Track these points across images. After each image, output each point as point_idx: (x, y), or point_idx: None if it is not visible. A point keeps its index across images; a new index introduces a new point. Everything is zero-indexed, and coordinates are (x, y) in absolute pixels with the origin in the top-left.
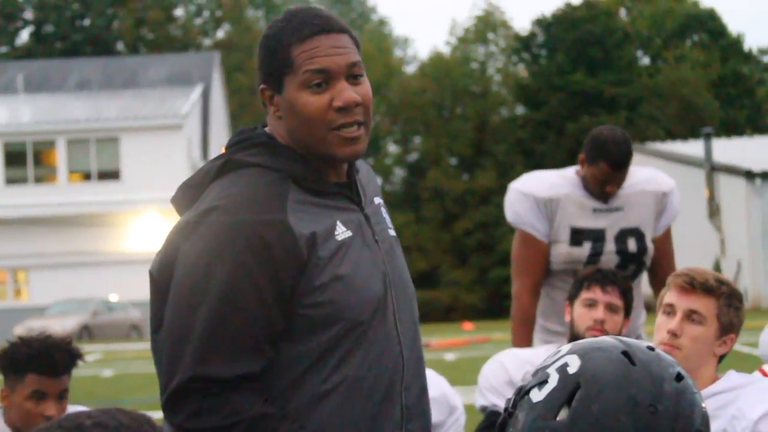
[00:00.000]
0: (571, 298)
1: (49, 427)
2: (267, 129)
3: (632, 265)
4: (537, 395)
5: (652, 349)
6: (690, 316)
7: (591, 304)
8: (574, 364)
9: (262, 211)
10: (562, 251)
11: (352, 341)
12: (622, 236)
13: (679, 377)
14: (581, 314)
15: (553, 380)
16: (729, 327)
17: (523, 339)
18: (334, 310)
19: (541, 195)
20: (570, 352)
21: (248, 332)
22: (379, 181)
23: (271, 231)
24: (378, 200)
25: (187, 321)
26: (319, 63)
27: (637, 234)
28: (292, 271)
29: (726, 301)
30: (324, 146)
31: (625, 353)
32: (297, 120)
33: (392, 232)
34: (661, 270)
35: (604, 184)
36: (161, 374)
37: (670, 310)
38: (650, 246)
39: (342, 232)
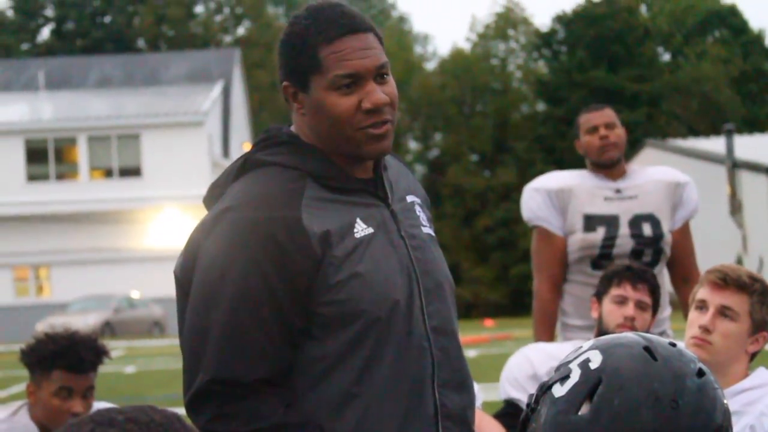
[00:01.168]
0: (599, 294)
1: (80, 421)
2: (292, 127)
3: (649, 249)
4: (559, 390)
5: (673, 345)
6: (722, 312)
7: (621, 302)
8: (596, 360)
9: (276, 210)
10: (577, 239)
11: (374, 340)
12: (636, 221)
13: (700, 373)
14: (611, 311)
15: (575, 375)
16: (761, 324)
17: (545, 335)
18: (352, 307)
19: (552, 186)
20: (592, 348)
21: (264, 333)
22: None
23: (283, 229)
24: (411, 198)
25: (205, 322)
26: (348, 66)
27: (652, 220)
28: (306, 270)
29: (759, 299)
30: (351, 145)
31: (647, 349)
32: (324, 119)
33: (426, 230)
34: (683, 268)
35: (594, 131)
36: (184, 375)
37: (703, 305)
38: (667, 233)
39: (362, 229)
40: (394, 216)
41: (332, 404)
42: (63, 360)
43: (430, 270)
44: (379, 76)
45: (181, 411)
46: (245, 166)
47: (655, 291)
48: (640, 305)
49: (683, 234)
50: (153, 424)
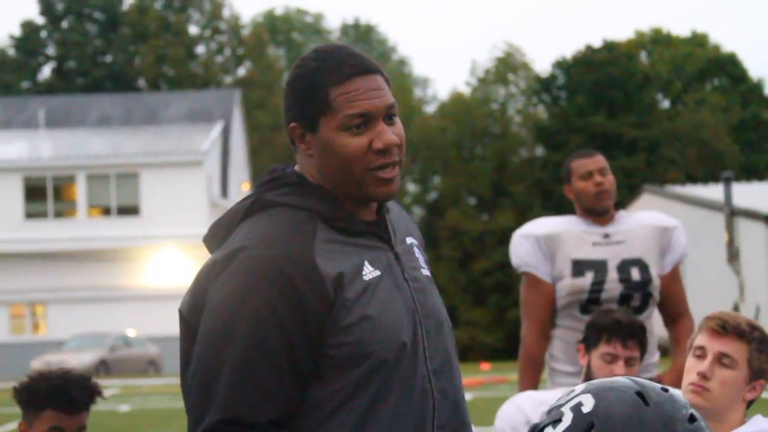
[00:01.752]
0: (588, 345)
1: None
2: (297, 168)
3: (637, 294)
4: None
5: (666, 389)
6: (721, 359)
7: (611, 361)
8: (588, 404)
9: (290, 252)
10: (566, 284)
11: (380, 382)
12: (624, 266)
13: (692, 419)
14: (600, 367)
15: (567, 419)
16: (759, 372)
17: (530, 381)
18: (360, 349)
19: (540, 233)
20: (584, 392)
21: (277, 374)
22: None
23: (298, 271)
24: (411, 240)
25: (216, 362)
26: (360, 107)
27: (640, 264)
28: (319, 312)
29: (758, 347)
30: (360, 187)
31: (639, 394)
32: (334, 160)
33: (426, 272)
34: (674, 311)
35: (589, 176)
36: (190, 414)
37: (701, 352)
38: (655, 277)
39: (370, 272)
40: (398, 258)
41: None
42: (55, 400)
43: (431, 312)
44: (388, 117)
45: None
46: (254, 206)
47: (643, 341)
48: (629, 362)
49: (673, 278)
50: None
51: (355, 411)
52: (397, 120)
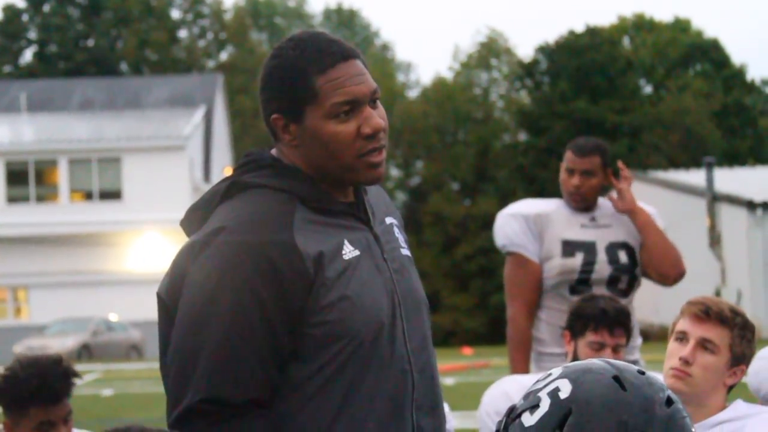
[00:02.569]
0: (574, 332)
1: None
2: (273, 152)
3: (625, 276)
4: (529, 419)
5: (642, 373)
6: (703, 344)
7: (598, 349)
8: (565, 389)
9: (270, 232)
10: (556, 264)
11: (359, 362)
12: (611, 249)
13: (669, 401)
14: (588, 355)
15: (545, 405)
16: (741, 358)
17: (521, 362)
18: (340, 329)
19: (529, 212)
20: (561, 376)
21: (256, 355)
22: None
23: (278, 252)
24: (390, 220)
25: (195, 343)
26: (347, 94)
27: (627, 248)
28: (300, 292)
29: (739, 333)
30: (349, 173)
31: (617, 378)
32: (322, 148)
33: (405, 251)
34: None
35: (571, 174)
36: (169, 395)
37: (683, 336)
38: (640, 262)
39: (349, 251)
40: (377, 239)
41: (320, 426)
42: (37, 397)
43: (409, 292)
44: (372, 101)
45: None
46: (232, 188)
47: (629, 328)
48: (616, 349)
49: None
50: None
51: (336, 391)
52: (379, 104)
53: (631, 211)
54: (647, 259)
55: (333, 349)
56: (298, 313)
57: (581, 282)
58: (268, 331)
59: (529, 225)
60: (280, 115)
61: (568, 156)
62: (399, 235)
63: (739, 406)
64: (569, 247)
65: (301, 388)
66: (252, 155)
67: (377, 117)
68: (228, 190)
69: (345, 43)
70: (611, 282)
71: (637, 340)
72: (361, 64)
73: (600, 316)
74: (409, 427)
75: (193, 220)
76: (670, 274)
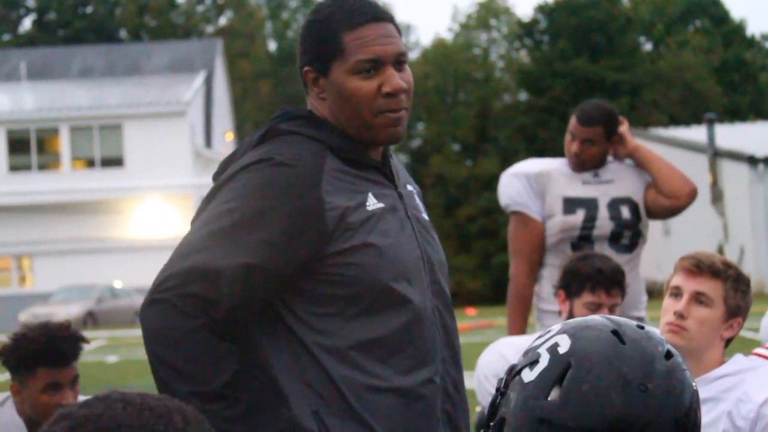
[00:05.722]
0: (570, 293)
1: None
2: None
3: (627, 232)
4: (528, 375)
5: (641, 327)
6: (697, 298)
7: (595, 309)
8: (564, 344)
9: (300, 193)
10: (557, 221)
11: (384, 304)
12: (614, 204)
13: (668, 355)
14: (584, 315)
15: (544, 360)
16: (736, 310)
17: (520, 320)
18: (362, 273)
19: (531, 171)
20: (560, 332)
21: (244, 257)
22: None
23: (307, 219)
24: (410, 188)
25: (200, 228)
26: (371, 52)
27: (630, 203)
28: (313, 244)
29: (733, 285)
30: (368, 129)
31: (615, 332)
32: (344, 103)
33: (425, 216)
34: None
35: (572, 140)
36: (159, 273)
37: (677, 292)
38: (645, 217)
39: (373, 204)
40: (401, 198)
41: (340, 348)
42: (45, 358)
43: (431, 251)
44: (398, 63)
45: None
46: (267, 134)
47: (624, 287)
48: (612, 309)
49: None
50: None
51: (361, 328)
52: (407, 68)
53: (634, 150)
54: (657, 188)
55: (356, 290)
56: (307, 257)
57: (583, 239)
58: (273, 245)
59: (531, 184)
60: (311, 67)
61: (573, 121)
62: (419, 202)
63: (738, 360)
64: (570, 205)
65: (320, 323)
66: (286, 108)
67: (398, 78)
68: (263, 136)
69: (380, 6)
70: (613, 238)
71: (643, 296)
72: (393, 28)
73: (597, 276)
74: (438, 374)
75: (225, 168)
76: (683, 190)
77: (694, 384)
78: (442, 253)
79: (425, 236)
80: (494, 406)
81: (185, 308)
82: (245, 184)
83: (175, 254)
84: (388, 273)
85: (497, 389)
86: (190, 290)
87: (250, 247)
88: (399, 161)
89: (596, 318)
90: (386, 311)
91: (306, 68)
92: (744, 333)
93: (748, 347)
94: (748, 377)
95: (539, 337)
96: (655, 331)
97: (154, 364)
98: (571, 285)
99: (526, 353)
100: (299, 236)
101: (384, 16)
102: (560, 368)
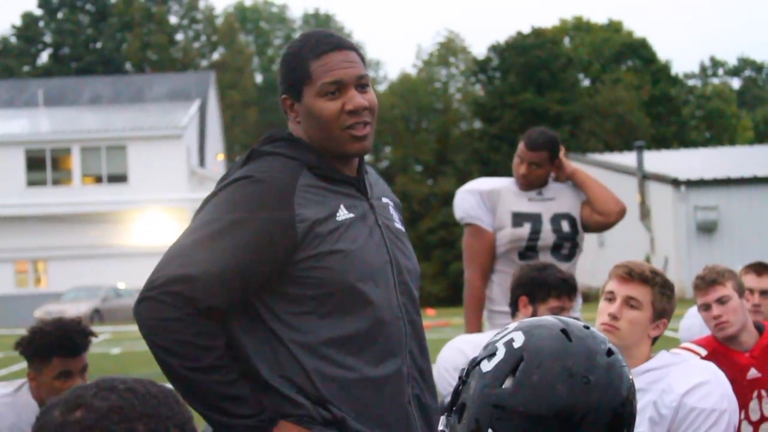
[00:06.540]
0: (534, 299)
1: (86, 385)
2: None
3: (567, 243)
4: (486, 366)
5: (587, 327)
6: (628, 302)
7: (559, 312)
8: (519, 340)
9: (273, 206)
10: (507, 233)
11: (352, 304)
12: (556, 219)
13: (609, 352)
14: None
15: (501, 353)
16: (662, 312)
17: (475, 317)
18: (330, 275)
19: (483, 188)
20: (516, 329)
21: (223, 259)
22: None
23: (277, 228)
24: (386, 200)
25: (186, 236)
26: (334, 75)
27: (569, 218)
28: (284, 250)
29: (660, 290)
30: (337, 143)
31: (564, 331)
32: (314, 122)
33: (398, 225)
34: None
35: (520, 163)
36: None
37: (611, 296)
38: (581, 230)
39: (344, 214)
40: (373, 208)
41: (311, 344)
42: (60, 348)
43: (401, 256)
44: (360, 86)
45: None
46: (251, 155)
47: (576, 293)
48: (569, 311)
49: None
50: (149, 396)
51: (329, 325)
52: (370, 90)
53: (572, 174)
54: (591, 206)
55: (325, 290)
56: (280, 263)
57: (529, 249)
58: (244, 250)
59: (483, 200)
60: (287, 95)
61: (521, 146)
62: (393, 213)
63: (663, 356)
64: (518, 218)
65: (295, 321)
66: (271, 132)
67: (360, 97)
68: (248, 156)
69: (344, 38)
70: (555, 248)
71: (579, 300)
72: (356, 55)
73: (562, 285)
74: (405, 364)
75: (219, 184)
76: (614, 209)
77: (631, 378)
78: (415, 261)
79: (396, 243)
80: (456, 393)
81: (170, 303)
82: (227, 198)
83: (164, 258)
84: (354, 274)
85: (459, 378)
86: (173, 289)
87: (226, 253)
88: (378, 176)
89: (548, 318)
90: (355, 309)
91: (284, 96)
92: (666, 333)
93: (670, 345)
94: (671, 371)
95: (498, 333)
96: (599, 331)
97: (152, 349)
98: (537, 292)
99: (486, 347)
100: (270, 244)
101: (345, 45)
102: (514, 360)
